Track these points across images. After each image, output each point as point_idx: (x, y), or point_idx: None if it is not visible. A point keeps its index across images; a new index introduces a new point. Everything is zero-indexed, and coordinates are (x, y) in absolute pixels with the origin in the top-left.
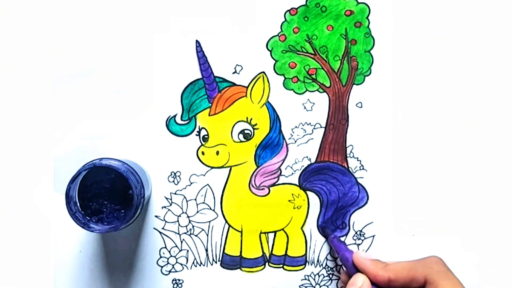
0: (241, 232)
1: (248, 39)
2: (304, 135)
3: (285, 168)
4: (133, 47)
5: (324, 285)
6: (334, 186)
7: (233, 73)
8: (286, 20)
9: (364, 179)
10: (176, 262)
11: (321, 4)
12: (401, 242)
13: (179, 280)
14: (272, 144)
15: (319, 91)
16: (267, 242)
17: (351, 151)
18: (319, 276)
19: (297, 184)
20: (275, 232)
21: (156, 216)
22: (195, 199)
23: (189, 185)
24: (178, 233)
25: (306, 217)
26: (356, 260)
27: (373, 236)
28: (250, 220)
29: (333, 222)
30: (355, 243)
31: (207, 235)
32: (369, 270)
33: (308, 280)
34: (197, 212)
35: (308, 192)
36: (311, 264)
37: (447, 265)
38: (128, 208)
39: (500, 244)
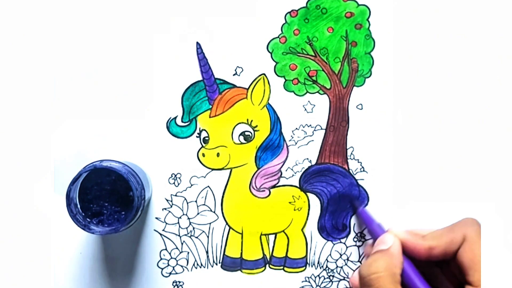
0: (242, 234)
1: (249, 41)
2: (304, 137)
3: (286, 170)
4: (134, 49)
5: (324, 287)
6: (335, 188)
7: (234, 75)
8: (286, 22)
9: (365, 181)
10: (177, 264)
11: (321, 6)
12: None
13: (179, 282)
14: (273, 146)
15: (319, 93)
16: (268, 244)
17: (351, 153)
18: (319, 278)
19: (298, 186)
20: (275, 234)
21: (156, 218)
22: (196, 201)
23: (190, 187)
24: (179, 235)
25: (307, 219)
26: (395, 233)
27: None
28: (251, 222)
29: (334, 224)
30: (355, 245)
31: (208, 237)
32: (408, 241)
33: (309, 282)
34: (198, 214)
35: (309, 194)
36: (312, 266)
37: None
38: (128, 210)
39: (501, 245)
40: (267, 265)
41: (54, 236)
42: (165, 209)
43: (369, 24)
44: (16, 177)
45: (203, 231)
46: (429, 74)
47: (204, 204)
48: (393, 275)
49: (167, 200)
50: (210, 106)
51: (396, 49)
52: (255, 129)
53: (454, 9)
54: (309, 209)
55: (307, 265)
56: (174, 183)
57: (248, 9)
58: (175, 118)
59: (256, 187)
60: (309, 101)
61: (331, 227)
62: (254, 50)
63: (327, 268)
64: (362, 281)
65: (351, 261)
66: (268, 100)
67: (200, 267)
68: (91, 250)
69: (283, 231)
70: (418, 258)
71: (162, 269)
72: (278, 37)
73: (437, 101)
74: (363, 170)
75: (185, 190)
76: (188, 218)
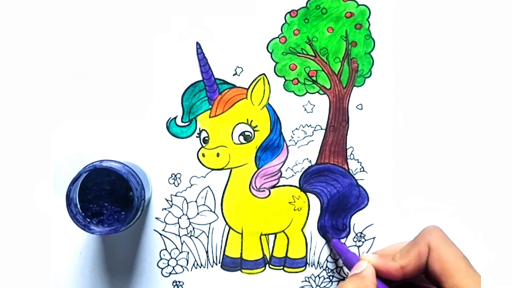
0: (242, 234)
1: (249, 41)
2: (304, 137)
3: (286, 170)
4: (134, 49)
5: (324, 287)
6: (335, 188)
7: (234, 75)
8: (286, 22)
9: (365, 181)
10: (177, 264)
11: (321, 6)
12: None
13: (179, 282)
14: (273, 146)
15: (319, 93)
16: (268, 244)
17: (351, 153)
18: (319, 278)
19: (298, 186)
20: (275, 234)
21: (156, 218)
22: (196, 201)
23: (190, 187)
24: (179, 235)
25: (307, 219)
26: (367, 260)
27: (374, 238)
28: (251, 222)
29: (334, 224)
30: (355, 245)
31: (208, 237)
32: (380, 266)
33: (309, 282)
34: (198, 214)
35: (309, 194)
36: (312, 266)
37: (444, 232)
38: (128, 210)
39: (500, 249)
40: (267, 265)
41: (54, 236)
42: (165, 209)
43: (369, 24)
44: (16, 177)
45: (203, 231)
46: (429, 74)
47: (204, 204)
48: None
49: (167, 200)
50: (210, 106)
51: (396, 49)
52: (255, 129)
53: (454, 9)
54: (309, 209)
55: (307, 265)
56: (174, 183)
57: (248, 9)
58: (175, 118)
59: (256, 187)
60: (309, 101)
61: (331, 227)
62: (254, 50)
63: (327, 268)
64: None
65: None
66: (268, 100)
67: (200, 267)
68: (91, 250)
69: (283, 231)
70: (394, 279)
71: (162, 269)
72: (278, 37)
73: (437, 101)
74: (363, 170)
75: (185, 190)
76: (188, 218)
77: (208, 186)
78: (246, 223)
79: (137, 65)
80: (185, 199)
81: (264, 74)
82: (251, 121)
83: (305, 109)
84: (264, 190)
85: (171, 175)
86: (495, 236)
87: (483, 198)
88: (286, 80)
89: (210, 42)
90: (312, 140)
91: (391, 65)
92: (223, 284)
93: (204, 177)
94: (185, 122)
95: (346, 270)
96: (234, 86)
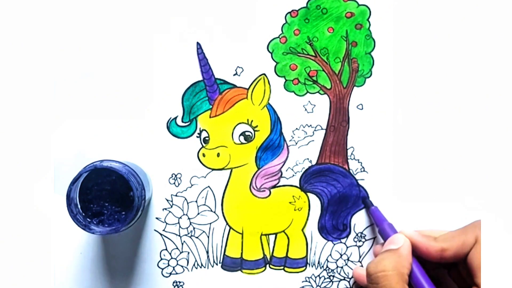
0: (242, 234)
1: (249, 41)
2: (305, 137)
3: (286, 170)
4: (134, 49)
5: (325, 287)
6: (335, 188)
7: (234, 75)
8: (286, 22)
9: (365, 181)
10: (177, 264)
11: (321, 6)
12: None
13: (179, 282)
14: (273, 146)
15: (320, 93)
16: (268, 244)
17: (351, 153)
18: (320, 278)
19: (298, 186)
20: (276, 234)
21: (157, 218)
22: (196, 201)
23: (190, 187)
24: (179, 235)
25: (307, 219)
26: (406, 235)
27: (374, 238)
28: (251, 222)
29: (334, 224)
30: (356, 245)
31: (208, 237)
32: (420, 243)
33: (309, 282)
34: (198, 214)
35: (309, 194)
36: (312, 266)
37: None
38: (129, 210)
39: (500, 249)
40: (268, 265)
41: (54, 236)
42: (166, 209)
43: (369, 24)
44: (16, 177)
45: (204, 231)
46: (429, 74)
47: (204, 204)
48: (401, 274)
49: (167, 200)
50: (211, 106)
51: (396, 49)
52: (255, 129)
53: (454, 9)
54: (309, 209)
55: (308, 265)
56: (174, 183)
57: (248, 9)
58: (175, 118)
59: (257, 187)
60: (309, 101)
61: (332, 227)
62: (254, 50)
63: (327, 268)
64: (369, 278)
65: (352, 261)
66: (268, 100)
67: (201, 267)
68: (91, 250)
69: (284, 231)
70: (429, 260)
71: (163, 269)
72: (279, 37)
73: (437, 101)
74: (364, 170)
75: (186, 190)
76: (189, 218)
77: (209, 186)
78: (246, 223)
79: (137, 65)
80: (185, 199)
81: (264, 74)
82: (252, 121)
83: (306, 109)
84: (264, 190)
85: (172, 175)
86: (495, 236)
87: (484, 198)
88: (286, 80)
89: (210, 42)
90: (313, 140)
91: (391, 65)
92: (224, 284)
93: (205, 177)
94: (185, 122)
95: (347, 270)
96: (234, 86)
